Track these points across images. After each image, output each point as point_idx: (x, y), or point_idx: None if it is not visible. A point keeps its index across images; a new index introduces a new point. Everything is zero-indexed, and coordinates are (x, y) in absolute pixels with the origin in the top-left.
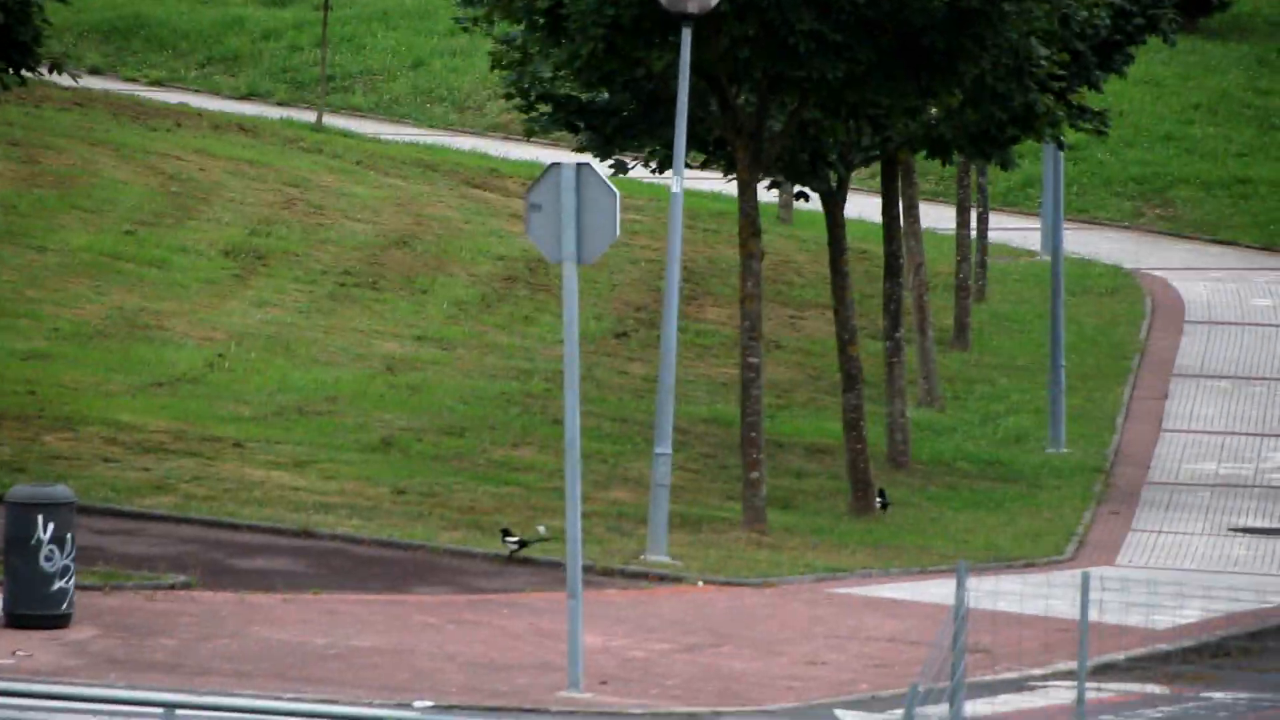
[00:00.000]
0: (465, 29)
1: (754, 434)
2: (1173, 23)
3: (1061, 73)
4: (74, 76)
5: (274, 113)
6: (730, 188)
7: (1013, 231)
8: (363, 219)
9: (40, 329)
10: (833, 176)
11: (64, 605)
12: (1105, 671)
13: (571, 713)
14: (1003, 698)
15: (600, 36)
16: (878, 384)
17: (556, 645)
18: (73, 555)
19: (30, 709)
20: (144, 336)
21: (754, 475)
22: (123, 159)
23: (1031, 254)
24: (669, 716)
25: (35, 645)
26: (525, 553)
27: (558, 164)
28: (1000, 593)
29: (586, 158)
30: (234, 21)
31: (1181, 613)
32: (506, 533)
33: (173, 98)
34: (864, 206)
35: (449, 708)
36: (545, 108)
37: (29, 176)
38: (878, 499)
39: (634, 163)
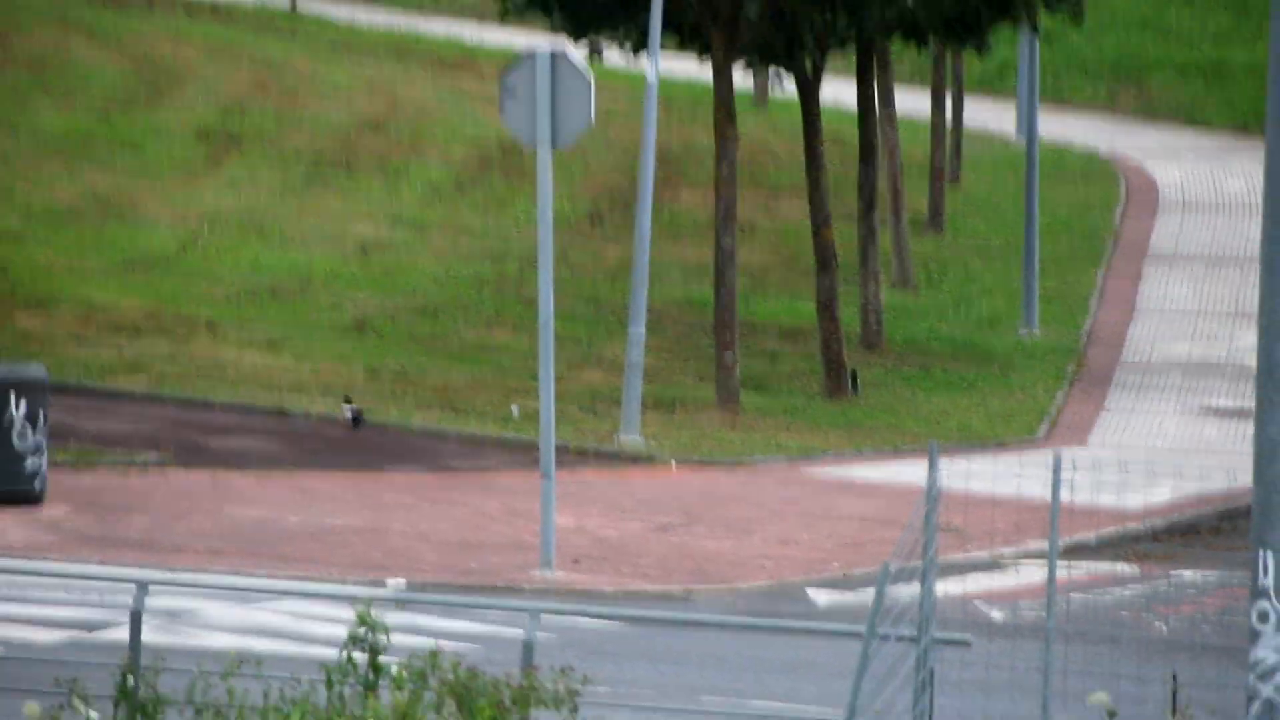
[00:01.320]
0: None
1: (728, 316)
2: None
3: None
4: None
5: None
6: (706, 73)
7: (988, 116)
8: (336, 102)
9: (13, 209)
10: (808, 62)
11: (36, 482)
12: (1076, 551)
13: (545, 591)
14: (974, 577)
15: None
16: (852, 267)
17: (530, 525)
18: (46, 433)
19: (5, 585)
20: (117, 217)
21: (727, 357)
22: (96, 41)
23: (1006, 139)
24: (641, 595)
25: (8, 522)
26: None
27: (532, 50)
28: (972, 473)
29: (562, 41)
30: None
31: (1152, 493)
32: (347, 400)
33: None
34: (840, 92)
35: (422, 586)
36: None
37: (1, 59)
38: (849, 381)
39: (609, 46)
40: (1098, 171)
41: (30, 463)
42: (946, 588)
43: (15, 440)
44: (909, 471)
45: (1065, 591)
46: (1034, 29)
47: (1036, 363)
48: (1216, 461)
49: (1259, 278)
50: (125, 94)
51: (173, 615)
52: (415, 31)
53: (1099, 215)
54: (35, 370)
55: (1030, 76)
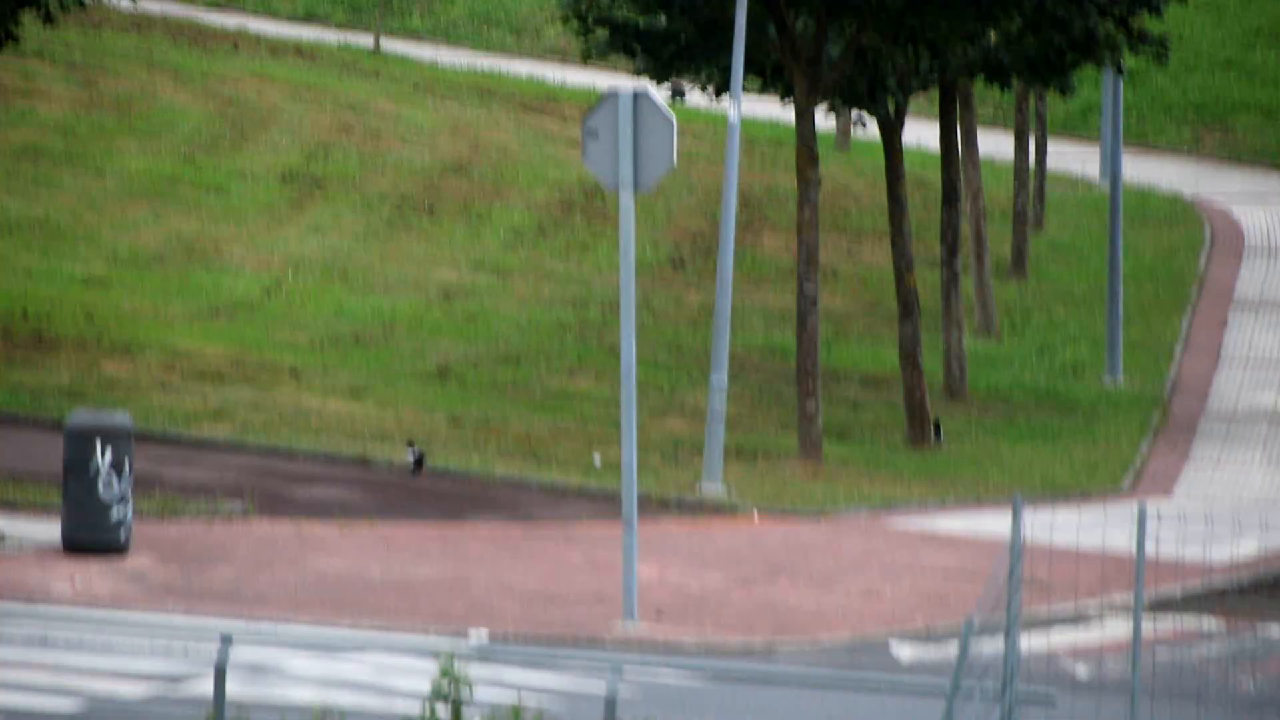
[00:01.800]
0: None
1: (810, 364)
2: None
3: None
4: None
5: (331, 36)
6: (788, 115)
7: (1071, 159)
8: (419, 144)
9: (99, 254)
10: (891, 103)
11: (122, 533)
12: (1161, 606)
13: (626, 644)
14: (1058, 631)
15: None
16: (934, 314)
17: (612, 576)
18: (130, 482)
19: (89, 637)
20: (201, 262)
21: (810, 406)
22: (181, 83)
23: (1090, 182)
24: (724, 648)
25: (93, 572)
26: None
27: (615, 91)
28: (1056, 525)
29: (644, 82)
30: None
31: (1238, 546)
32: (410, 443)
33: (230, 21)
34: (922, 134)
35: (505, 638)
36: (603, 31)
37: (87, 100)
38: (933, 430)
39: (691, 87)
40: (1182, 216)
41: (115, 512)
42: (1030, 642)
43: (101, 489)
44: (992, 523)
45: (1150, 647)
46: (1118, 70)
47: (1121, 412)
48: None
49: None
50: (210, 136)
51: (256, 668)
52: (498, 72)
53: (1184, 260)
54: (120, 419)
55: (1114, 118)
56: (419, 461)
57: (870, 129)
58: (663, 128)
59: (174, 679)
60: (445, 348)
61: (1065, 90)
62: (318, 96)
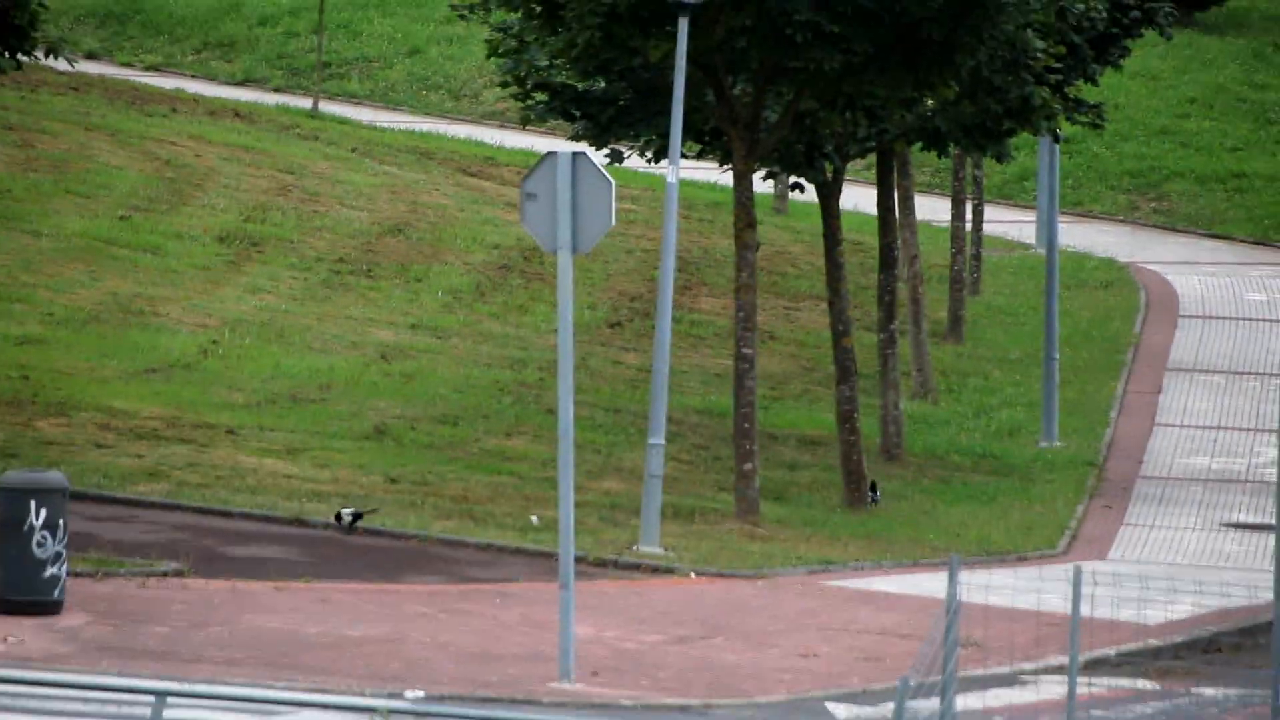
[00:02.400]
0: (462, 16)
1: (747, 425)
2: (1169, 16)
3: (1058, 65)
4: (70, 61)
5: (270, 99)
6: (725, 178)
7: (1008, 224)
8: (358, 206)
9: (34, 314)
10: (828, 168)
11: (56, 592)
12: (1097, 666)
13: (563, 704)
14: (994, 692)
15: (597, 25)
16: (872, 376)
17: (548, 635)
18: (65, 541)
19: (22, 695)
20: (138, 322)
21: (747, 467)
22: (118, 144)
23: (1026, 247)
24: (660, 708)
25: (27, 632)
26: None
27: (553, 153)
28: (992, 586)
29: (582, 146)
30: (230, 7)
31: (1173, 608)
32: (338, 516)
33: (168, 83)
34: (859, 198)
35: (441, 698)
36: (541, 96)
37: (24, 161)
38: (869, 492)
39: (630, 152)
40: (1118, 281)
41: (50, 571)
42: (967, 702)
43: (35, 549)
44: (929, 584)
45: (1086, 708)
46: (1055, 138)
47: (1057, 474)
48: (1238, 577)
49: None
50: (147, 197)
51: None
52: (437, 135)
53: (1119, 325)
54: (55, 478)
55: (1050, 185)
56: (355, 519)
57: (808, 193)
58: (601, 189)
59: None
60: (382, 407)
61: (1002, 157)
62: (255, 158)
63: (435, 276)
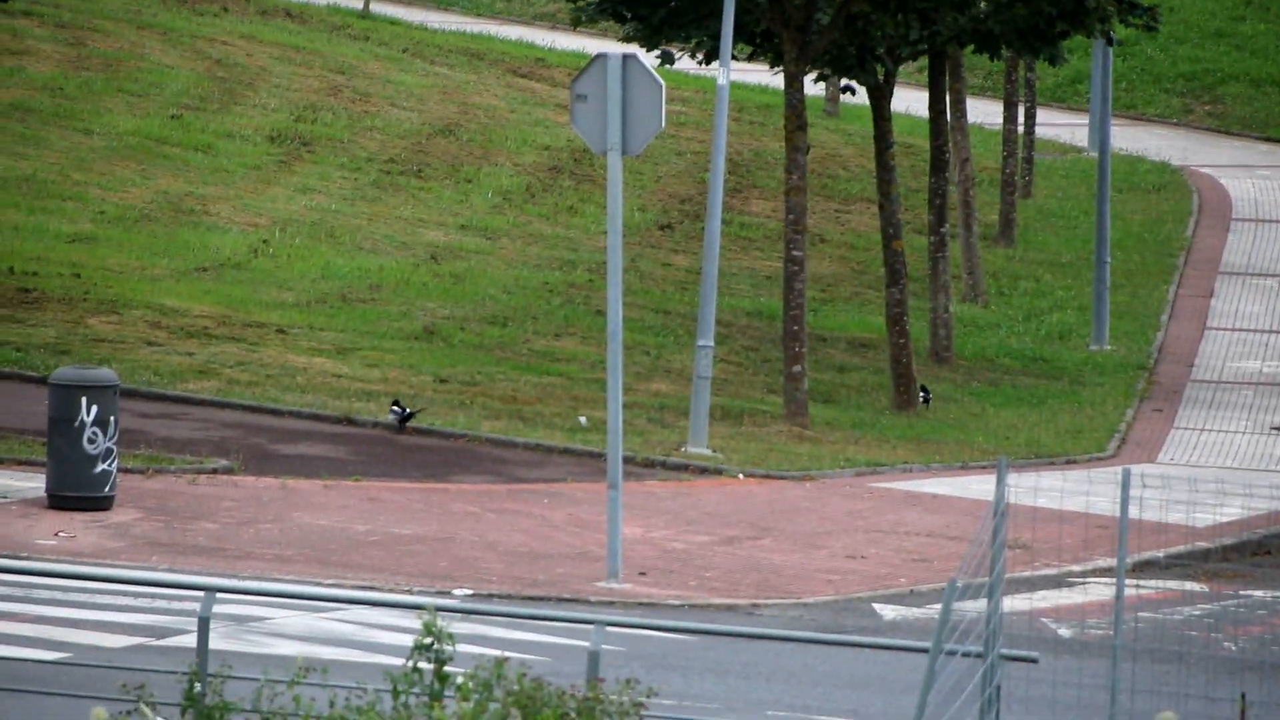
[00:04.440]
0: None
1: (796, 328)
2: None
3: None
4: None
5: None
6: (777, 80)
7: (1060, 127)
8: (408, 107)
9: (86, 212)
10: (880, 70)
11: (106, 488)
12: (1145, 569)
13: (610, 603)
14: (1041, 593)
15: None
16: (922, 279)
17: (596, 535)
18: (115, 438)
19: (73, 590)
20: (189, 221)
21: (796, 369)
22: (170, 43)
23: (1079, 150)
24: (707, 608)
25: (77, 527)
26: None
27: (603, 55)
28: (1041, 489)
29: (633, 48)
30: None
31: (1222, 510)
32: (395, 403)
33: None
34: (911, 101)
35: (489, 596)
36: None
37: (76, 59)
38: (920, 394)
39: (681, 53)
40: (1170, 185)
41: (100, 467)
42: (1014, 604)
43: (86, 445)
44: (977, 486)
45: (1133, 609)
46: (1108, 40)
47: (1107, 378)
48: None
49: None
50: (198, 97)
51: (240, 622)
52: (488, 36)
53: (1171, 229)
54: (106, 375)
55: (1103, 88)
56: (405, 419)
57: (860, 95)
58: (652, 91)
59: (158, 633)
60: (432, 308)
61: (1055, 60)
62: (306, 58)
63: (485, 177)
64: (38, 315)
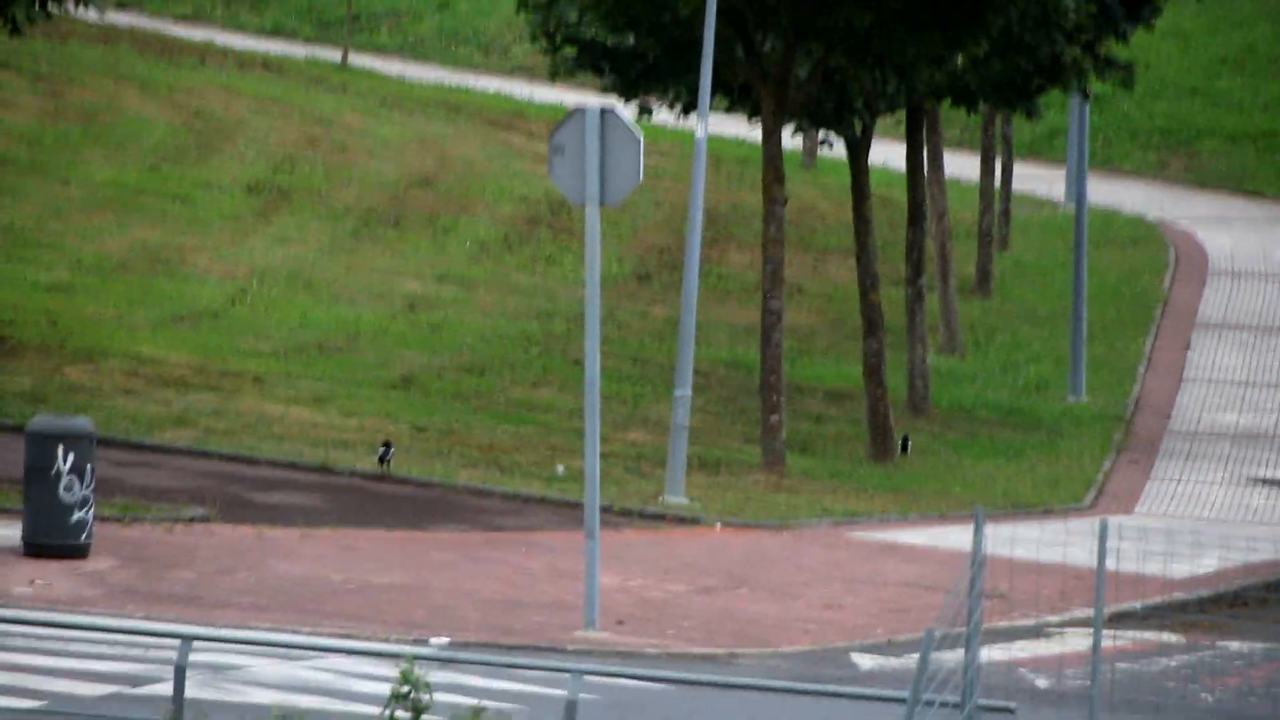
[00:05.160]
0: None
1: (774, 378)
2: None
3: (1089, 23)
4: (100, 10)
5: (299, 51)
6: (754, 133)
7: (1037, 181)
8: (386, 158)
9: (63, 261)
10: (857, 124)
11: (83, 536)
12: (1122, 620)
13: (588, 652)
14: (1019, 644)
15: None
16: (899, 331)
17: (573, 585)
18: (92, 486)
19: (49, 638)
20: (166, 271)
21: (773, 419)
22: (147, 94)
23: (1055, 204)
24: (685, 657)
25: (54, 574)
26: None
27: (582, 107)
28: (1018, 539)
29: (611, 100)
30: None
31: (1199, 562)
32: (385, 443)
33: (198, 34)
34: (889, 154)
35: (465, 645)
36: (571, 50)
37: (54, 110)
38: (900, 443)
39: (659, 106)
40: (1146, 238)
41: (77, 516)
42: (991, 654)
43: (62, 493)
44: (954, 537)
45: (1110, 660)
46: (1084, 95)
47: (1084, 430)
48: (1264, 532)
49: None
50: (176, 147)
51: (216, 671)
52: (466, 88)
53: (1148, 282)
54: (82, 423)
55: (1080, 142)
56: (384, 456)
57: (837, 148)
58: (630, 144)
59: (134, 682)
60: (409, 357)
61: (1031, 114)
62: (284, 110)
63: (463, 228)
64: (14, 364)
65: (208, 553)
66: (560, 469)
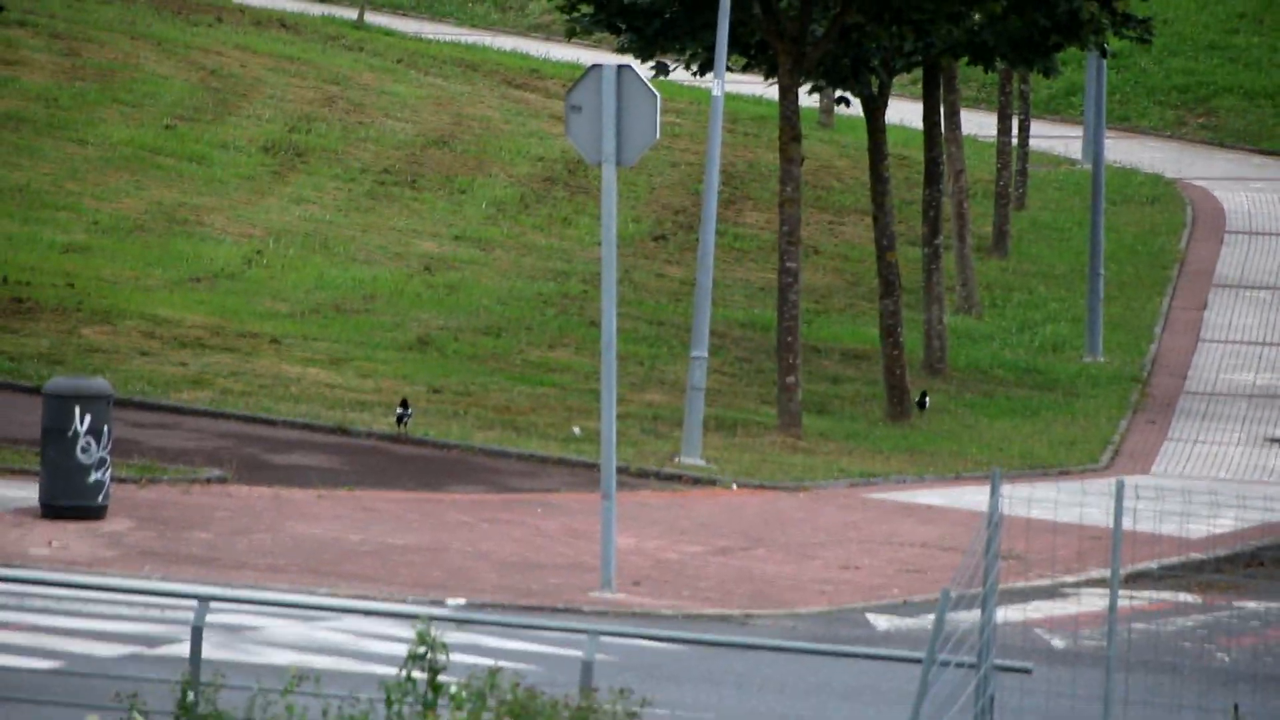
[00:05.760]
0: None
1: (790, 338)
2: None
3: None
4: None
5: (315, 9)
6: (771, 92)
7: (1054, 139)
8: (402, 118)
9: (80, 222)
10: (874, 82)
11: (100, 497)
12: (1138, 580)
13: (604, 613)
14: (1035, 604)
15: None
16: (916, 290)
17: (589, 546)
18: (109, 447)
19: (66, 599)
20: (183, 231)
21: (789, 380)
22: (164, 53)
23: (1073, 162)
24: (700, 618)
25: (71, 536)
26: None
27: (598, 65)
28: (1035, 500)
29: (628, 59)
30: None
31: (1216, 522)
32: (404, 402)
33: None
34: (905, 113)
35: (482, 605)
36: (587, 8)
37: (70, 69)
38: (918, 400)
39: (675, 65)
40: (1164, 197)
41: (94, 477)
42: (1007, 614)
43: (79, 454)
44: (971, 497)
45: (1127, 620)
46: (1102, 53)
47: (1100, 389)
48: None
49: None
50: (192, 107)
51: (233, 631)
52: (482, 46)
53: (1165, 241)
54: (99, 384)
55: (1097, 100)
56: (402, 416)
57: (854, 107)
58: (646, 102)
59: (151, 642)
60: (426, 318)
61: (1049, 72)
62: (301, 69)
63: (479, 188)
64: (31, 325)
65: (225, 514)
66: (577, 430)
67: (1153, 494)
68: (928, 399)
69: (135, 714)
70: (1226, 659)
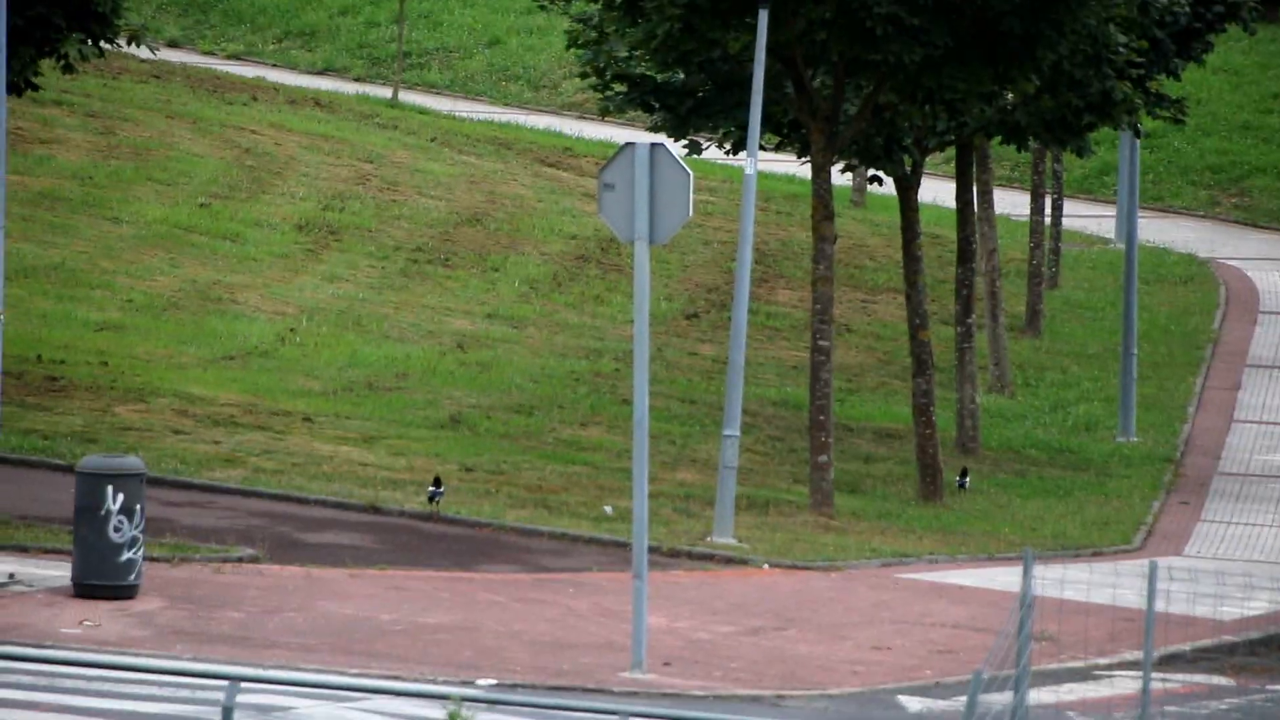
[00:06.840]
0: (542, 7)
1: (823, 417)
2: (1253, 11)
3: (1140, 60)
4: (152, 49)
5: (350, 88)
6: (804, 170)
7: (1087, 219)
8: (436, 196)
9: (114, 300)
10: (907, 161)
11: (132, 576)
12: (1171, 662)
13: (635, 693)
14: (1067, 686)
15: (677, 16)
16: (948, 369)
17: (621, 625)
18: (141, 526)
19: (97, 679)
20: (216, 309)
21: (822, 459)
22: (199, 132)
23: (1106, 241)
24: (732, 699)
25: (103, 615)
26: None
27: (631, 143)
28: (1067, 581)
29: (661, 137)
30: None
31: (1250, 604)
32: (436, 481)
33: (249, 71)
34: (938, 191)
35: (513, 685)
36: (620, 87)
37: (106, 148)
38: (958, 478)
39: (708, 143)
40: (1197, 276)
41: (126, 556)
42: (1040, 696)
43: (111, 533)
44: (1004, 577)
45: (1160, 703)
46: (1135, 133)
47: (1133, 470)
48: None
49: None
50: (227, 185)
51: (264, 712)
52: (516, 125)
53: (1198, 321)
54: (132, 462)
55: (1130, 179)
56: (435, 494)
57: (886, 185)
58: (679, 180)
59: None
60: (458, 396)
61: (1082, 152)
62: (335, 147)
63: (512, 266)
64: (65, 403)
65: (256, 593)
66: (608, 509)
67: (1186, 576)
68: (968, 479)
69: None
70: None
